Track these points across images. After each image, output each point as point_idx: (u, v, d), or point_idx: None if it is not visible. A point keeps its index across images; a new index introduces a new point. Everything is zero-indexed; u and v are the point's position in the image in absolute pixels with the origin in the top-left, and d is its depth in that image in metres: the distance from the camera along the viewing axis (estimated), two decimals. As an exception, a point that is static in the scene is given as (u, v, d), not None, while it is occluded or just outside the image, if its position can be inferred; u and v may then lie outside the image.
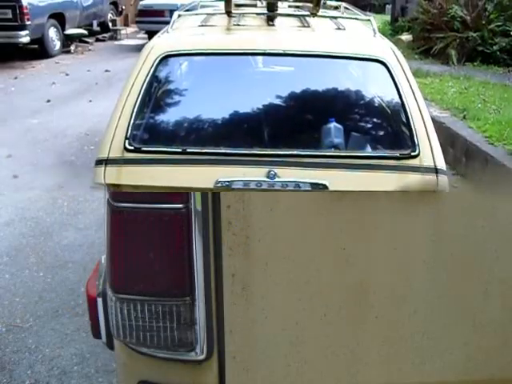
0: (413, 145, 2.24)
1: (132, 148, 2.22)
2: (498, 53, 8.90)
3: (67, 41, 12.14)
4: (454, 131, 5.26)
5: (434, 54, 9.47)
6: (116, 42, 13.99)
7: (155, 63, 2.33)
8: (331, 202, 1.41)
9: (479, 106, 6.01)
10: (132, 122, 2.24)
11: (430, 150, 2.24)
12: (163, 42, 2.47)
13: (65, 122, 6.80)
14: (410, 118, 2.27)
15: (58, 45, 11.50)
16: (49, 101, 7.77)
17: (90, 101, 7.80)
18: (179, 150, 2.20)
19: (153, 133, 2.31)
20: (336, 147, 2.60)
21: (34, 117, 7.00)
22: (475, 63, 9.00)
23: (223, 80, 2.43)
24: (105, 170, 2.22)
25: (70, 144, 5.99)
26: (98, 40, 13.84)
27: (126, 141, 2.22)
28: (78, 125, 6.62)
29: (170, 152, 2.21)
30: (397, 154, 2.23)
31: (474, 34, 9.08)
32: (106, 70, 9.88)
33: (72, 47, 12.21)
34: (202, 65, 2.50)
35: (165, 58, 2.36)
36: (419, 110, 2.29)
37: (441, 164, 2.24)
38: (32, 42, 10.56)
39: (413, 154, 2.22)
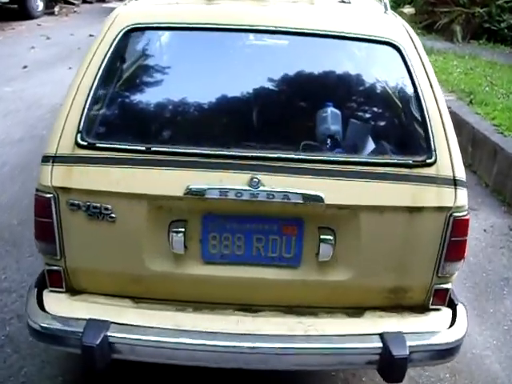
0: (428, 149, 1.85)
1: (85, 144, 1.81)
2: (506, 30, 8.40)
3: (51, 1, 11.45)
4: (460, 117, 4.84)
5: (438, 29, 8.95)
6: (104, 5, 13.24)
7: (117, 38, 1.90)
8: None
9: (487, 89, 5.58)
10: (86, 111, 1.83)
11: (448, 156, 1.85)
12: (129, 12, 2.03)
13: (41, 90, 6.30)
14: (426, 116, 1.87)
15: (40, 6, 10.82)
16: (26, 67, 7.24)
17: (70, 68, 7.21)
18: (143, 149, 1.80)
19: (111, 126, 1.90)
20: (333, 137, 2.24)
21: (7, 84, 6.49)
22: (481, 41, 8.52)
23: (200, 62, 2.00)
24: (52, 169, 1.81)
25: (43, 116, 5.51)
26: (84, 1, 13.12)
27: (78, 135, 1.81)
28: (54, 94, 6.09)
29: (132, 150, 1.80)
30: (409, 160, 1.84)
31: (481, 10, 8.57)
32: (91, 35, 9.20)
33: (56, 9, 11.54)
34: (175, 42, 2.07)
35: (130, 32, 1.94)
36: (437, 107, 1.89)
37: (460, 174, 1.86)
38: (12, 1, 9.89)
39: (428, 161, 1.83)
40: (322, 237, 1.82)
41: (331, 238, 1.83)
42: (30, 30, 9.74)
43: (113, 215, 1.81)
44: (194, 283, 1.91)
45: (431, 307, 1.99)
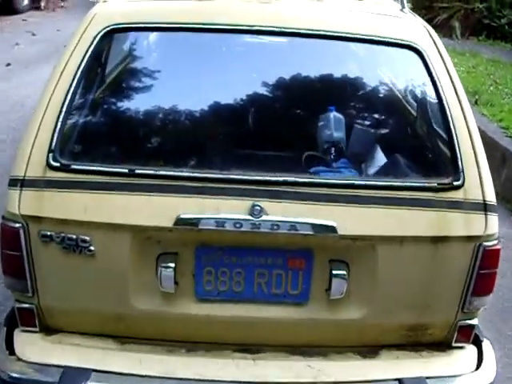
0: (455, 170, 1.61)
1: (58, 165, 1.55)
2: (506, 27, 8.20)
3: (37, -5, 11.08)
4: (466, 119, 4.61)
5: (436, 25, 8.66)
6: (93, -1, 12.93)
7: (95, 41, 1.65)
8: None
9: (491, 88, 5.37)
10: (59, 126, 1.57)
11: (477, 176, 1.62)
12: (109, 10, 1.77)
13: (24, 90, 5.98)
14: (452, 130, 1.63)
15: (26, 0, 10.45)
16: (9, 64, 6.91)
17: (56, 66, 6.96)
18: (125, 171, 1.54)
19: (89, 144, 1.65)
20: (336, 144, 2.00)
21: (-12, 84, 6.18)
22: (480, 37, 8.32)
23: (192, 69, 1.75)
24: (20, 194, 1.56)
25: (26, 118, 5.21)
26: (72, -5, 12.75)
27: (50, 154, 1.56)
28: (38, 94, 5.82)
29: (113, 173, 1.55)
30: (433, 183, 1.60)
31: (481, 5, 8.37)
32: (78, 31, 8.96)
33: (42, 3, 11.13)
34: (163, 45, 1.82)
35: (109, 34, 1.69)
36: (464, 120, 1.65)
37: (491, 197, 1.63)
38: (-5, -5, 9.54)
39: (455, 183, 1.60)
40: (334, 272, 1.59)
41: (344, 272, 1.59)
42: (15, 25, 9.38)
43: (92, 248, 1.56)
44: (187, 323, 1.67)
45: (454, 345, 1.76)
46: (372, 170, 1.69)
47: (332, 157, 2.14)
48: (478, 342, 1.80)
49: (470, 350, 1.78)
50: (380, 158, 1.70)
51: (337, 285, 1.60)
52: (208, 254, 1.59)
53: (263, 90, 1.75)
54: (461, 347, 1.77)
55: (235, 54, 1.83)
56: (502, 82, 5.66)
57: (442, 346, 1.76)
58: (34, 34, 8.66)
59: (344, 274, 1.59)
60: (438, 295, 1.68)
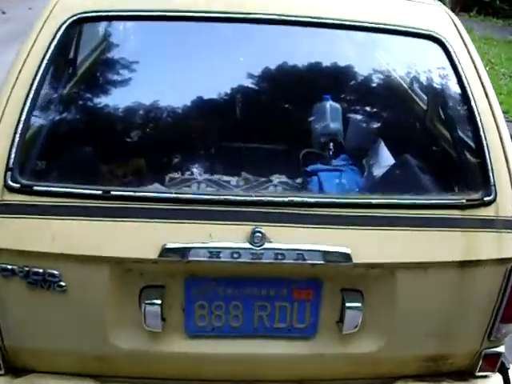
0: (486, 183, 1.39)
1: (18, 186, 1.30)
2: (498, 2, 7.95)
3: (8, -30, 10.52)
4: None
5: (426, 0, 8.46)
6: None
7: (59, 33, 1.39)
8: None
9: (487, 69, 5.13)
10: (18, 139, 1.31)
11: (511, 189, 1.40)
12: None
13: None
14: (481, 137, 1.40)
15: (-5, -25, 9.90)
16: (-25, 46, 6.50)
17: (29, 48, 6.57)
18: (99, 193, 1.29)
19: (55, 160, 1.39)
20: (333, 136, 1.83)
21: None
22: (471, 13, 8.07)
23: (177, 66, 1.48)
24: (-30, 221, 1.30)
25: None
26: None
27: (8, 173, 1.30)
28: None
29: (85, 195, 1.30)
30: (461, 199, 1.37)
31: (471, -20, 8.10)
32: (52, 9, 8.53)
33: (13, -22, 10.61)
34: (142, 37, 1.54)
35: (75, 24, 1.41)
36: (496, 124, 1.42)
37: (525, 213, 1.41)
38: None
39: (486, 198, 1.38)
40: (347, 304, 1.37)
41: (359, 304, 1.37)
42: (-16, 2, 8.91)
43: (62, 283, 1.32)
44: (177, 362, 1.45)
45: (478, 374, 1.57)
46: (390, 186, 1.45)
47: (331, 153, 2.00)
48: (503, 370, 1.61)
49: (496, 378, 1.60)
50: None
51: (350, 317, 1.38)
52: (200, 287, 1.36)
53: (256, 96, 1.51)
54: (485, 376, 1.58)
55: (233, 48, 1.58)
56: (496, 61, 5.46)
57: (465, 375, 1.58)
58: (3, 13, 8.26)
59: (359, 306, 1.38)
60: (463, 323, 1.48)
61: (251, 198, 1.30)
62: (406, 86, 1.62)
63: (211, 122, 1.61)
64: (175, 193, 1.30)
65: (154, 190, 1.32)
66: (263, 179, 1.76)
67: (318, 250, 1.29)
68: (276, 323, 1.41)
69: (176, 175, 1.38)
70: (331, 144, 1.93)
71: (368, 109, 1.88)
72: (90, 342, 1.41)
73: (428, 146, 1.59)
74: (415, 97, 1.62)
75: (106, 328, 1.38)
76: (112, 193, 1.28)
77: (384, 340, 1.45)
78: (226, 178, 1.66)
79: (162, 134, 1.56)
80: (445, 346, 1.51)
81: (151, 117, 1.46)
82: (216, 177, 1.61)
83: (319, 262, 1.29)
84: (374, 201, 1.35)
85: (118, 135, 1.45)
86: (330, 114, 1.88)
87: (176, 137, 1.55)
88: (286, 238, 1.29)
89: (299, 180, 1.90)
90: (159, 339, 1.41)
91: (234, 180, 1.68)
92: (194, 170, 1.59)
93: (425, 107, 1.60)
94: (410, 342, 1.47)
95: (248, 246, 1.27)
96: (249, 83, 1.73)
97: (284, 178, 1.75)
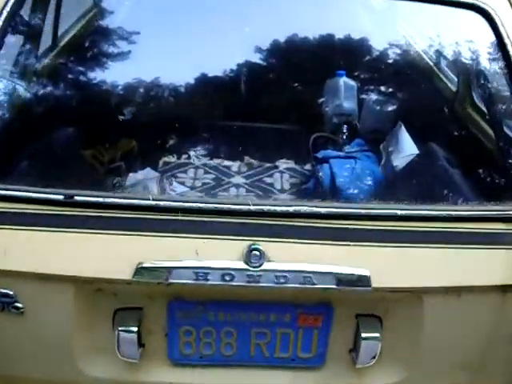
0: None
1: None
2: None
3: None
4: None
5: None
6: None
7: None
8: None
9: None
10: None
11: None
12: None
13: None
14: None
15: None
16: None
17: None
18: (60, 198, 1.05)
19: (7, 157, 1.14)
20: (347, 118, 1.79)
21: None
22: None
23: (172, 41, 1.24)
24: None
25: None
26: None
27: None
28: None
29: (43, 201, 1.06)
30: (506, 209, 1.12)
31: None
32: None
33: None
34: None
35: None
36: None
37: None
38: None
39: (535, 210, 1.12)
40: (363, 334, 1.13)
41: (378, 334, 1.14)
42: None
43: (18, 305, 1.10)
44: None
45: None
46: (417, 194, 1.19)
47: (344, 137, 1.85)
48: None
49: None
50: (407, 144, 1.23)
51: (367, 348, 1.15)
52: (185, 311, 1.13)
53: (260, 80, 1.29)
54: None
55: (228, 12, 1.32)
56: None
57: None
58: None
59: (377, 337, 1.14)
60: (499, 354, 1.24)
61: (248, 207, 1.05)
62: (434, 63, 1.36)
63: (209, 99, 1.42)
64: (154, 199, 1.05)
65: (126, 194, 1.08)
66: (268, 165, 1.56)
67: (330, 272, 1.05)
68: (277, 352, 1.19)
69: (171, 159, 1.13)
70: (345, 127, 1.80)
71: (387, 87, 1.67)
72: (57, 370, 1.20)
73: (462, 137, 1.33)
74: (445, 77, 1.35)
75: (74, 354, 1.17)
76: (76, 198, 1.04)
77: (405, 372, 1.22)
78: (226, 162, 1.45)
79: (151, 110, 1.34)
80: (476, 379, 1.28)
81: (130, 112, 1.22)
82: (215, 161, 1.40)
83: (331, 287, 1.05)
84: (399, 212, 1.09)
85: (88, 126, 1.19)
86: (343, 93, 1.75)
87: (168, 114, 1.35)
88: (289, 257, 1.05)
89: (308, 167, 1.71)
90: (137, 367, 1.19)
91: (235, 165, 1.47)
92: (191, 153, 1.38)
93: (459, 90, 1.33)
94: (435, 375, 1.24)
95: (243, 266, 1.03)
96: (253, 56, 1.56)
97: (291, 164, 1.58)
